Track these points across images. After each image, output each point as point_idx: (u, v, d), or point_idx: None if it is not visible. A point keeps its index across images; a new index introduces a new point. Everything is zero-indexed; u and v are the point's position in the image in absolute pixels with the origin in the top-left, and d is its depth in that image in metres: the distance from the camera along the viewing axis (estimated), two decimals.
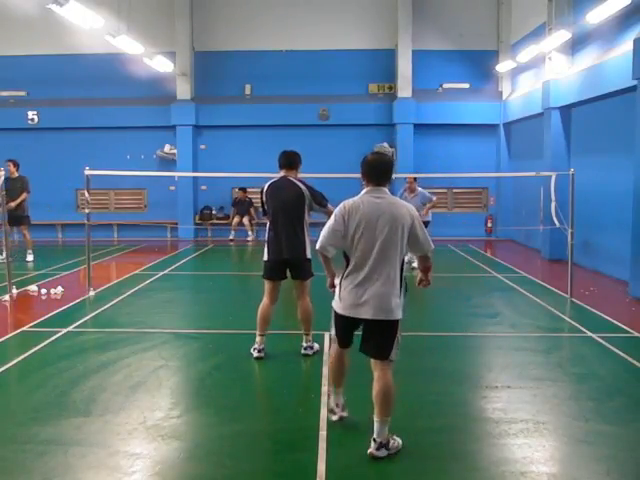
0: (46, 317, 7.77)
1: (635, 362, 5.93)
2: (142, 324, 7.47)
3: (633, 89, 9.36)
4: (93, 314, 7.99)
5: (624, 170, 10.01)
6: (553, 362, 6.08)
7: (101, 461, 3.91)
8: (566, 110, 12.76)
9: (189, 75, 17.01)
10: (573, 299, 8.66)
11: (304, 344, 6.16)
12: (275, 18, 17.01)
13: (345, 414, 4.46)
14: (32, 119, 17.09)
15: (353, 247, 3.99)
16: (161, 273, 11.23)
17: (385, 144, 16.76)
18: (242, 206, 16.90)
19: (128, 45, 12.76)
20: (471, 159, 16.45)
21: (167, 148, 17.13)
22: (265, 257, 5.94)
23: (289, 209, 5.81)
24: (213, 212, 17.30)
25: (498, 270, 11.55)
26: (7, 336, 6.90)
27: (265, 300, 6.04)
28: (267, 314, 6.01)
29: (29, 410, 4.77)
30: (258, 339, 6.01)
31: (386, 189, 4.12)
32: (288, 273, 6.06)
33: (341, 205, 4.10)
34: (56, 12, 10.20)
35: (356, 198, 4.12)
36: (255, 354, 5.98)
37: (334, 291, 4.21)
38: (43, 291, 9.31)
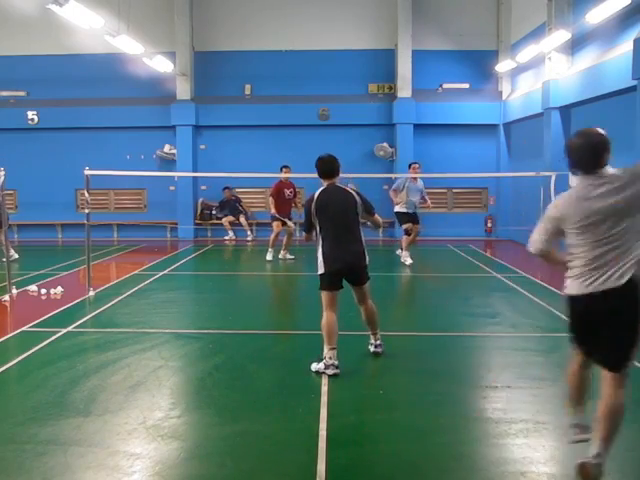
0: (46, 317, 7.77)
1: (635, 362, 5.92)
2: (142, 324, 7.46)
3: (633, 89, 9.36)
4: (93, 314, 7.99)
5: None
6: (553, 362, 6.07)
7: (100, 461, 3.90)
8: (566, 110, 12.76)
9: (189, 75, 17.01)
10: None
11: (374, 342, 6.04)
12: (275, 18, 17.01)
13: (589, 436, 3.72)
14: (32, 119, 17.09)
15: (580, 236, 3.49)
16: (161, 273, 11.23)
17: (385, 144, 16.79)
18: (229, 206, 16.84)
19: (128, 45, 12.76)
20: (471, 159, 16.44)
21: (167, 148, 17.12)
22: (322, 269, 5.62)
23: (347, 217, 5.66)
24: (213, 212, 17.30)
25: (498, 270, 11.55)
26: (7, 336, 6.90)
27: (329, 313, 5.61)
28: (335, 326, 5.58)
29: (28, 410, 4.77)
30: (331, 353, 5.50)
31: (604, 170, 3.61)
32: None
33: (552, 205, 3.68)
34: (56, 12, 10.20)
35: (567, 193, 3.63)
36: (332, 371, 5.44)
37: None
38: (43, 291, 9.30)
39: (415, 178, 11.88)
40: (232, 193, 16.95)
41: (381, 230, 5.83)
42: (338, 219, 5.64)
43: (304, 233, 5.95)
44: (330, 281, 5.63)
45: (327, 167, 5.80)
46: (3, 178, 8.77)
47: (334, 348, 5.53)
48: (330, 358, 5.49)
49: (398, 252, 12.38)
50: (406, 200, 11.75)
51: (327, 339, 5.56)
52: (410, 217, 11.86)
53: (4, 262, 9.50)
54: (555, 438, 4.27)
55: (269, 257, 12.56)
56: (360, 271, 5.73)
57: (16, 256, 12.39)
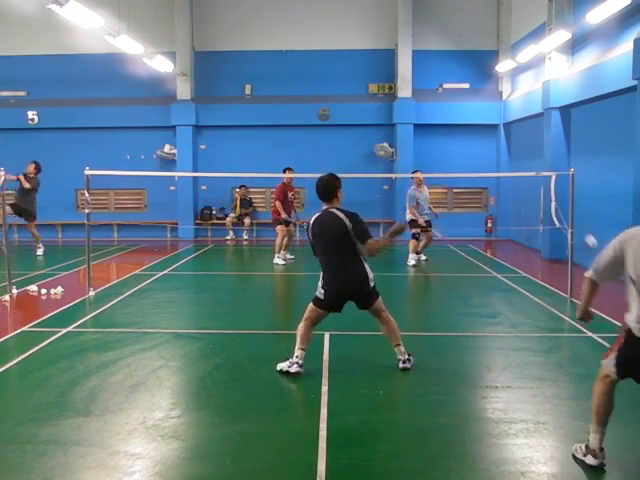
0: (46, 317, 7.77)
1: None
2: (142, 324, 7.46)
3: (633, 89, 9.36)
4: (93, 314, 7.99)
5: (624, 170, 10.01)
6: (553, 362, 6.08)
7: (101, 461, 3.90)
8: (566, 110, 12.76)
9: (189, 75, 17.01)
10: (573, 299, 8.65)
11: (401, 357, 5.68)
12: (275, 18, 17.01)
13: (603, 461, 3.82)
14: (32, 119, 17.10)
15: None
16: (161, 273, 11.23)
17: (385, 144, 16.79)
18: (244, 204, 16.97)
19: (128, 45, 12.76)
20: (471, 159, 16.45)
21: (167, 148, 17.13)
22: (322, 296, 5.51)
23: (339, 244, 5.41)
24: (213, 212, 17.30)
25: (498, 270, 11.55)
26: (7, 336, 6.90)
27: (308, 323, 5.59)
28: (310, 334, 5.61)
29: (29, 410, 4.77)
30: (299, 352, 5.51)
31: None
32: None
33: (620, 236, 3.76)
34: (56, 12, 10.20)
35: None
36: (295, 369, 5.47)
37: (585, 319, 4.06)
38: (43, 291, 9.31)
39: (420, 186, 12.01)
40: (246, 192, 17.02)
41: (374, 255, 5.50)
42: (328, 248, 5.46)
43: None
44: (327, 305, 5.54)
45: (322, 189, 5.57)
46: (3, 178, 8.77)
47: (304, 349, 5.54)
48: (296, 357, 5.50)
49: (409, 262, 12.02)
50: (422, 208, 11.94)
51: (299, 340, 5.55)
52: (424, 227, 11.95)
53: (5, 262, 9.49)
54: (555, 438, 4.28)
55: (280, 261, 12.21)
56: (363, 296, 5.54)
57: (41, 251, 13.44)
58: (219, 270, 12.53)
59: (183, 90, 17.03)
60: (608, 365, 3.87)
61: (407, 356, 5.70)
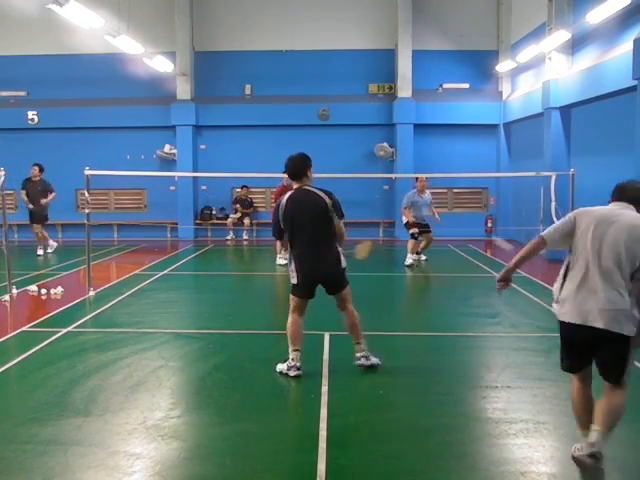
0: (46, 317, 7.78)
1: (635, 363, 5.92)
2: (142, 324, 7.46)
3: (633, 89, 9.36)
4: (93, 314, 7.99)
5: (624, 170, 9.99)
6: (553, 362, 6.04)
7: (101, 461, 3.90)
8: (566, 110, 12.76)
9: (189, 75, 17.01)
10: None
11: (358, 354, 5.59)
12: (275, 18, 17.02)
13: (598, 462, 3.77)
14: (32, 119, 17.10)
15: (574, 246, 3.80)
16: (161, 273, 11.23)
17: (385, 144, 16.79)
18: (244, 204, 16.96)
19: (128, 45, 12.76)
20: (471, 159, 16.45)
21: (167, 148, 17.13)
22: (295, 280, 5.45)
23: (318, 223, 5.31)
24: (213, 212, 17.30)
25: (498, 270, 11.42)
26: (7, 336, 6.90)
27: (295, 316, 5.55)
28: (300, 329, 5.55)
29: (29, 410, 4.77)
30: (294, 355, 5.48)
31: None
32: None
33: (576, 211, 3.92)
34: (56, 12, 10.20)
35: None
36: (293, 372, 5.42)
37: (501, 286, 4.05)
38: (43, 291, 9.31)
39: (422, 191, 11.90)
40: (247, 193, 17.01)
41: (342, 243, 5.51)
42: (308, 226, 5.32)
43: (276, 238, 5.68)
44: (303, 290, 5.47)
45: (294, 167, 5.50)
46: (3, 178, 8.77)
47: (297, 350, 5.50)
48: (293, 360, 5.46)
49: (407, 261, 11.94)
50: (414, 215, 11.80)
51: (291, 341, 5.52)
52: (420, 226, 11.88)
53: (5, 262, 9.49)
54: (555, 438, 4.28)
55: (282, 261, 11.92)
56: (336, 278, 5.46)
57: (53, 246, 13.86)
58: (219, 270, 12.53)
59: (183, 90, 17.03)
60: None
61: (364, 353, 5.57)
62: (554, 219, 9.17)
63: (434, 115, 16.80)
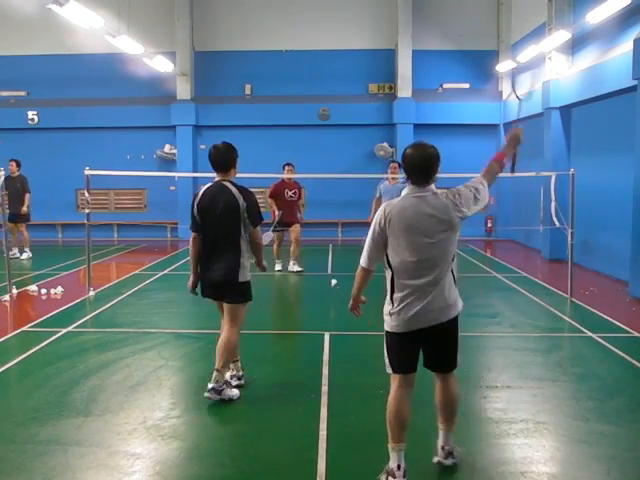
0: (46, 317, 7.77)
1: (635, 362, 5.93)
2: (142, 324, 7.47)
3: (633, 89, 9.36)
4: (93, 314, 8.00)
5: (624, 170, 10.01)
6: (553, 362, 6.08)
7: (101, 461, 3.91)
8: (566, 110, 12.76)
9: (189, 75, 17.01)
10: (573, 299, 8.66)
11: (209, 384, 4.83)
12: (275, 18, 17.01)
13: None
14: (32, 119, 17.09)
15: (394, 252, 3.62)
16: (161, 273, 11.23)
17: (385, 144, 16.80)
18: None
19: (128, 45, 12.76)
20: (471, 159, 16.35)
21: (167, 148, 17.13)
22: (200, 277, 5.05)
23: (225, 223, 4.83)
24: None
25: (498, 270, 11.55)
26: (7, 336, 6.90)
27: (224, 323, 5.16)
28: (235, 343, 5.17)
29: (29, 410, 4.77)
30: (233, 365, 5.24)
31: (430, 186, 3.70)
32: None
33: (381, 209, 3.67)
34: (56, 12, 10.20)
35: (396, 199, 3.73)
36: (234, 382, 5.18)
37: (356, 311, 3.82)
38: (43, 291, 9.31)
39: (393, 179, 10.33)
40: None
41: (260, 253, 5.10)
42: (213, 225, 4.86)
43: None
44: (205, 293, 5.06)
45: (218, 158, 5.11)
46: (3, 178, 8.77)
47: (236, 360, 5.28)
48: (234, 370, 5.21)
49: None
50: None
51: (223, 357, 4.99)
52: None
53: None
54: (555, 438, 4.28)
55: (278, 267, 11.34)
56: (227, 287, 4.89)
57: (25, 256, 12.95)
58: None
59: (183, 90, 17.03)
60: (387, 366, 3.76)
61: (218, 385, 4.86)
62: (554, 219, 9.16)
63: (434, 115, 16.80)
